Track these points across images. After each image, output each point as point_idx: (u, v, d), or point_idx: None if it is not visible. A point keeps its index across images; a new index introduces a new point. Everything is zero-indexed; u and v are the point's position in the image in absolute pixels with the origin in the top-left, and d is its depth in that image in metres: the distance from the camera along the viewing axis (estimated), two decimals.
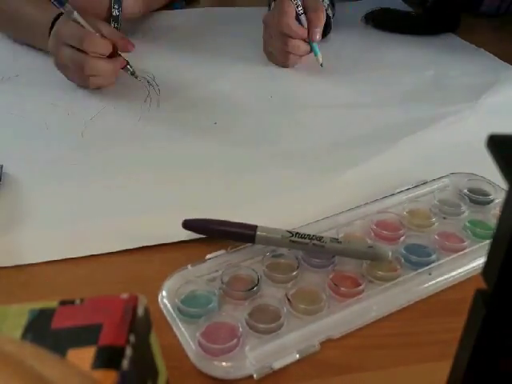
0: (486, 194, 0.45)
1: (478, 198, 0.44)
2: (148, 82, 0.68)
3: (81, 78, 0.62)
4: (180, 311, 0.34)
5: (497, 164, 0.18)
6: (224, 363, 0.31)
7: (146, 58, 0.75)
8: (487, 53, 0.77)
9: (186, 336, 0.32)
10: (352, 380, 0.32)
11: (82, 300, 0.24)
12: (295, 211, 0.44)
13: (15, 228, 0.43)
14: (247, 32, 0.84)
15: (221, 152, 0.54)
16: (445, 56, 0.77)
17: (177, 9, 0.97)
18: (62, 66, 0.62)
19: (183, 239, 0.41)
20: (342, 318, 0.33)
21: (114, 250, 0.41)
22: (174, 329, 0.33)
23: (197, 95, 0.65)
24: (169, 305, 0.34)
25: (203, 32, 0.86)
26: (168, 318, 0.34)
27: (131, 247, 0.41)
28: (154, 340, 0.25)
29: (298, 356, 0.31)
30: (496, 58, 0.75)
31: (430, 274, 0.37)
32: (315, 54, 0.71)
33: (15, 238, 0.42)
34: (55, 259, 0.40)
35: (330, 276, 0.36)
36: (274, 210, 0.45)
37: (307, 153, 0.53)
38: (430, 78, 0.70)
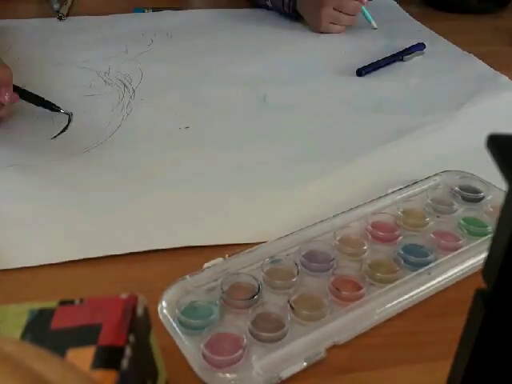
0: (477, 192, 0.45)
1: (470, 195, 0.45)
2: (125, 85, 0.67)
3: None
4: (181, 323, 0.33)
5: (497, 164, 0.18)
6: (231, 375, 0.30)
7: (133, 59, 0.76)
8: (477, 59, 0.75)
9: (190, 349, 0.31)
10: (352, 380, 0.32)
11: (81, 300, 0.24)
12: (289, 215, 0.44)
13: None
14: (236, 34, 0.86)
15: (201, 157, 0.53)
16: (431, 60, 0.76)
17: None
18: None
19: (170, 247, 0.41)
20: (346, 323, 0.33)
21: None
22: (177, 341, 0.32)
23: (175, 99, 0.65)
24: (169, 317, 0.33)
25: (192, 34, 0.86)
26: (169, 331, 0.33)
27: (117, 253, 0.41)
28: (154, 340, 0.25)
29: (305, 364, 0.31)
30: (485, 65, 0.73)
31: (429, 274, 0.37)
32: (368, 20, 0.83)
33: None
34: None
35: (331, 280, 0.36)
36: (267, 212, 0.45)
37: (295, 156, 0.53)
38: (413, 86, 0.69)
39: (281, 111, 0.62)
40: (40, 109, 0.60)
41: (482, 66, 0.73)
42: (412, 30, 0.88)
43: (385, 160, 0.52)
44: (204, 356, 0.31)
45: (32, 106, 0.61)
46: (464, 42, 0.81)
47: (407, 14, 0.95)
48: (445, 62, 0.75)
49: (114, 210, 0.45)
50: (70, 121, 0.59)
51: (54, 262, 0.40)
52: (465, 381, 0.22)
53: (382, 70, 0.73)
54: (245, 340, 0.31)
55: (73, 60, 0.75)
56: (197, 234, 0.42)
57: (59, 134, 0.57)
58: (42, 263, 0.40)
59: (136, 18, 0.93)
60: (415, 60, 0.76)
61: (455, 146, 0.54)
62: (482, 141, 0.55)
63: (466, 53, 0.78)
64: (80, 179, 0.50)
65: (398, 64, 0.75)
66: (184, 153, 0.54)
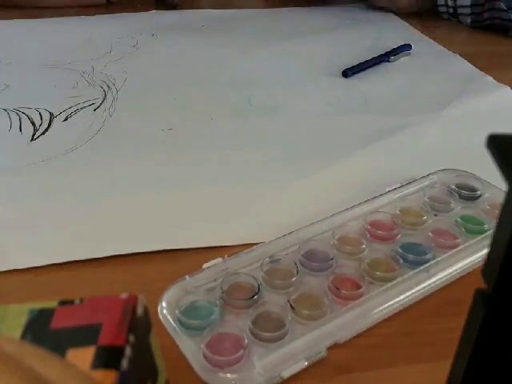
0: (473, 190, 0.45)
1: (467, 193, 0.45)
2: (108, 86, 0.67)
3: None
4: (181, 323, 0.33)
5: (497, 164, 0.18)
6: (232, 375, 0.30)
7: (117, 60, 0.76)
8: (463, 60, 0.76)
9: (191, 349, 0.31)
10: (352, 380, 0.32)
11: (81, 300, 0.24)
12: (285, 214, 0.44)
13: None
14: (222, 35, 0.86)
15: (192, 161, 0.53)
16: (415, 61, 0.77)
17: None
18: None
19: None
20: (346, 322, 0.33)
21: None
22: (177, 341, 0.32)
23: (158, 100, 0.65)
24: (169, 317, 0.33)
25: (178, 35, 0.86)
26: (170, 331, 0.33)
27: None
28: (154, 340, 0.25)
29: (306, 363, 0.31)
30: (470, 66, 0.74)
31: (427, 272, 0.37)
32: None
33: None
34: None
35: (330, 279, 0.36)
36: (264, 213, 0.45)
37: (283, 157, 0.53)
38: (399, 86, 0.69)
39: (266, 113, 0.62)
40: (23, 111, 0.60)
41: (467, 67, 0.74)
42: (399, 30, 0.89)
43: (373, 160, 0.53)
44: (205, 356, 0.31)
45: (11, 108, 0.61)
46: (451, 43, 0.83)
47: (394, 15, 0.96)
48: (431, 63, 0.76)
49: (99, 210, 0.45)
50: (50, 123, 0.59)
51: (45, 264, 0.40)
52: (465, 381, 0.22)
53: (368, 70, 0.73)
54: (246, 340, 0.31)
55: (57, 61, 0.75)
56: (185, 235, 0.42)
57: (39, 135, 0.56)
58: (34, 265, 0.40)
59: (121, 18, 0.93)
60: (401, 61, 0.77)
61: (442, 145, 0.55)
62: (468, 139, 0.57)
63: (452, 53, 0.79)
64: (63, 180, 0.49)
65: (384, 65, 0.75)
66: (167, 154, 0.53)
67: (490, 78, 0.70)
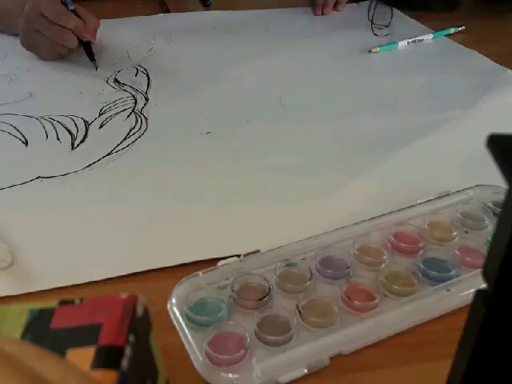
0: None
1: None
2: (136, 90, 0.67)
3: (50, 48, 0.72)
4: (189, 318, 0.33)
5: (497, 164, 0.18)
6: (230, 375, 0.30)
7: (137, 64, 0.76)
8: (480, 55, 0.76)
9: (193, 345, 0.31)
10: (352, 380, 0.31)
11: (81, 300, 0.24)
12: (311, 220, 0.43)
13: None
14: (248, 35, 0.86)
15: (222, 162, 0.52)
16: (436, 59, 0.76)
17: None
18: (31, 43, 0.73)
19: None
20: (354, 333, 0.32)
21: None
22: (181, 336, 0.32)
23: (189, 103, 0.64)
24: (177, 312, 0.34)
25: (191, 37, 0.86)
26: (176, 326, 0.33)
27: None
28: (154, 340, 0.25)
29: (306, 371, 0.30)
30: (489, 61, 0.74)
31: (448, 291, 0.35)
32: None
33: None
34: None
35: (344, 288, 0.35)
36: (289, 219, 0.44)
37: (314, 162, 0.52)
38: (422, 83, 0.68)
39: (297, 113, 0.61)
40: (57, 120, 0.60)
41: (487, 62, 0.74)
42: (410, 28, 0.89)
43: (407, 166, 0.51)
44: (206, 353, 0.31)
45: (40, 116, 0.60)
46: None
47: (403, 14, 0.95)
48: (450, 60, 0.76)
49: (147, 219, 0.44)
50: (87, 130, 0.58)
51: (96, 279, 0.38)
52: (465, 381, 0.22)
53: (391, 67, 0.74)
54: (248, 340, 0.31)
55: (77, 67, 0.73)
56: (218, 245, 0.41)
57: (79, 144, 0.55)
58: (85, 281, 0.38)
59: (130, 22, 0.92)
60: (420, 59, 0.77)
61: (479, 145, 0.53)
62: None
63: (468, 49, 0.79)
64: (105, 190, 0.48)
65: (404, 62, 0.76)
66: (210, 160, 0.52)
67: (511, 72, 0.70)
